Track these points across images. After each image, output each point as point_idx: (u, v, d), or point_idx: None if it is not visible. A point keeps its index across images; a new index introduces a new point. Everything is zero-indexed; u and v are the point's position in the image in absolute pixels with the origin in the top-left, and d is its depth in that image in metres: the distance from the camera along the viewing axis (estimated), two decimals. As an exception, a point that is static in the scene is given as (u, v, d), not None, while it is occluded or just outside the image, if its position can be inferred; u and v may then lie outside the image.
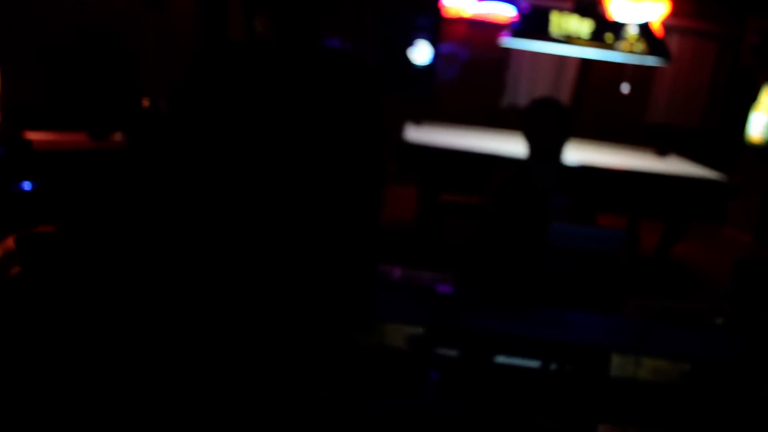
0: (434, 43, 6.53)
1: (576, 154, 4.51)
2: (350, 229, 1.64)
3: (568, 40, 4.91)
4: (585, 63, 5.97)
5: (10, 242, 1.38)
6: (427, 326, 2.32)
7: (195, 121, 1.58)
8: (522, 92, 6.49)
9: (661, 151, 5.39)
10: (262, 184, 1.53)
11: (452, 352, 2.70)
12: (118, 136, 2.63)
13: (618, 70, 6.31)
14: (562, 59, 6.38)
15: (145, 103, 2.71)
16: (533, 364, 2.81)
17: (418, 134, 4.70)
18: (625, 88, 6.17)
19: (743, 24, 6.22)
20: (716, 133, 6.43)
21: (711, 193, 4.52)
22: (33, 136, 2.50)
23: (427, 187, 4.47)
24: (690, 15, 6.38)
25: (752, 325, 2.04)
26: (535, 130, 2.63)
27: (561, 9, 5.01)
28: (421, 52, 6.58)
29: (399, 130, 4.84)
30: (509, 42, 4.98)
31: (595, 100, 6.39)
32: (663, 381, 2.61)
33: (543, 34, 4.94)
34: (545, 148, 2.63)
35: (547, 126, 2.61)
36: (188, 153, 1.60)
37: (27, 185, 2.34)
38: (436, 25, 6.44)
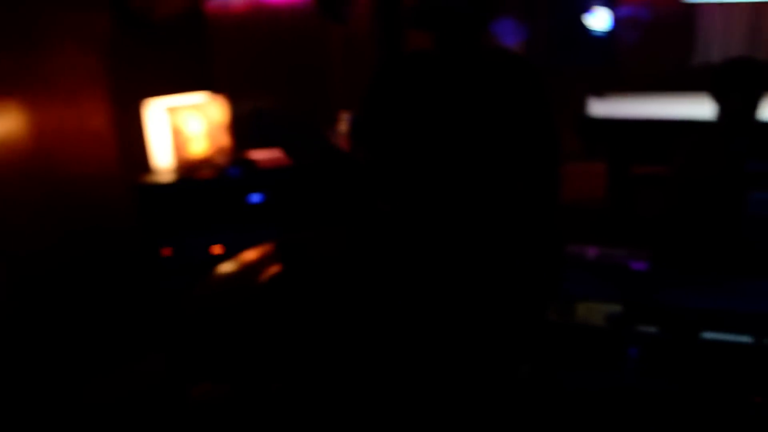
0: (611, 7, 6.29)
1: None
2: (529, 207, 1.80)
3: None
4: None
5: (269, 246, 1.69)
6: (624, 304, 2.36)
7: (383, 119, 1.87)
8: (715, 49, 6.03)
9: None
10: (442, 170, 1.75)
11: (652, 329, 2.69)
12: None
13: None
14: (756, 8, 5.82)
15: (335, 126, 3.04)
16: (744, 339, 2.70)
17: (602, 107, 4.61)
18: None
19: None
20: None
21: None
22: (255, 155, 2.92)
23: (616, 161, 4.39)
24: None
25: None
26: (726, 91, 2.53)
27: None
28: (598, 19, 6.36)
29: (581, 104, 4.77)
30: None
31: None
32: None
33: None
34: (738, 109, 2.52)
35: (740, 86, 2.50)
36: (383, 145, 1.87)
37: (256, 198, 2.75)
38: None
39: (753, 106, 2.51)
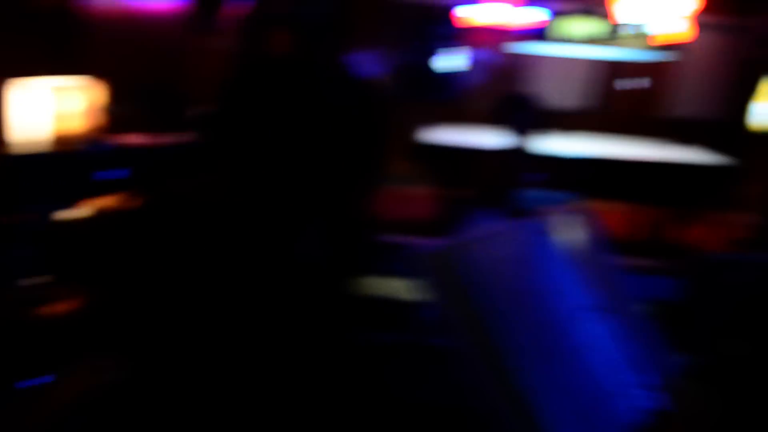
0: (455, 50, 7.06)
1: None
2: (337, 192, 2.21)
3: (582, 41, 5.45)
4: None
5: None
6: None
7: (233, 115, 2.19)
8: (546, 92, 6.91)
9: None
10: (276, 160, 2.12)
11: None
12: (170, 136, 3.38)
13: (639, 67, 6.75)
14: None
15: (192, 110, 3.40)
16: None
17: (430, 135, 5.22)
18: (638, 83, 6.62)
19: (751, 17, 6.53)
20: (731, 122, 6.71)
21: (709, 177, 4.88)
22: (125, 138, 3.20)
23: (439, 183, 4.89)
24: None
25: None
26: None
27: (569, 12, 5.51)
28: (443, 60, 7.13)
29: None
30: (517, 47, 5.53)
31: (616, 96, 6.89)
32: None
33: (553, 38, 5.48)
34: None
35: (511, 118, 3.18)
36: (231, 137, 2.22)
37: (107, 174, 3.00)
38: (455, 34, 6.94)
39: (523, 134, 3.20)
